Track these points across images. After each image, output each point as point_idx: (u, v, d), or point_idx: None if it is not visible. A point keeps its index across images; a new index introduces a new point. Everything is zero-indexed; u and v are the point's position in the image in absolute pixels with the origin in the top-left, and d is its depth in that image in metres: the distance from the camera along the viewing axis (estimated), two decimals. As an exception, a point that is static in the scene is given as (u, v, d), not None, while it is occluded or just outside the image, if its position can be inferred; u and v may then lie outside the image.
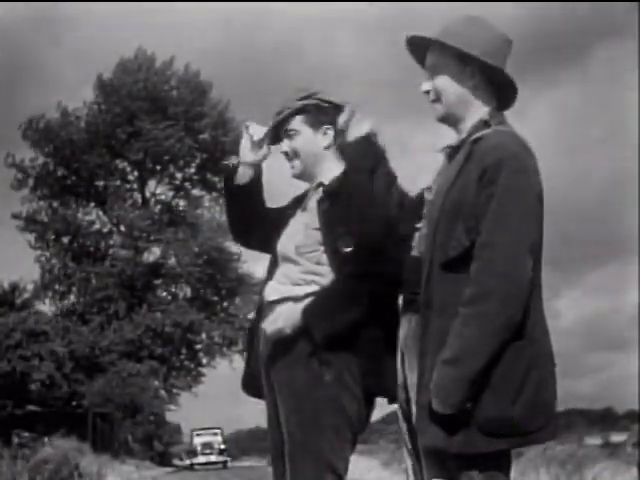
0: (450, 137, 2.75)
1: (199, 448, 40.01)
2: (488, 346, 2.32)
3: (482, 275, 2.37)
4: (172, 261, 41.46)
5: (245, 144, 3.23)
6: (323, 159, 3.12)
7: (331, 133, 3.10)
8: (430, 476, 2.54)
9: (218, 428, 42.54)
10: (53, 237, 41.11)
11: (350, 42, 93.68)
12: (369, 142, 2.93)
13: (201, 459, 39.43)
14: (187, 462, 40.95)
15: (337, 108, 3.09)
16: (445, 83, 2.65)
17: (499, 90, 2.66)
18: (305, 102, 3.09)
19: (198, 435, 41.57)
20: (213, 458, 39.37)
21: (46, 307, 39.83)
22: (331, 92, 3.13)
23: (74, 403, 33.50)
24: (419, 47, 2.73)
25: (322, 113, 3.10)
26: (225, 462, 39.18)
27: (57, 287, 41.03)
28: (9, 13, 68.94)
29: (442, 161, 2.75)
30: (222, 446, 40.55)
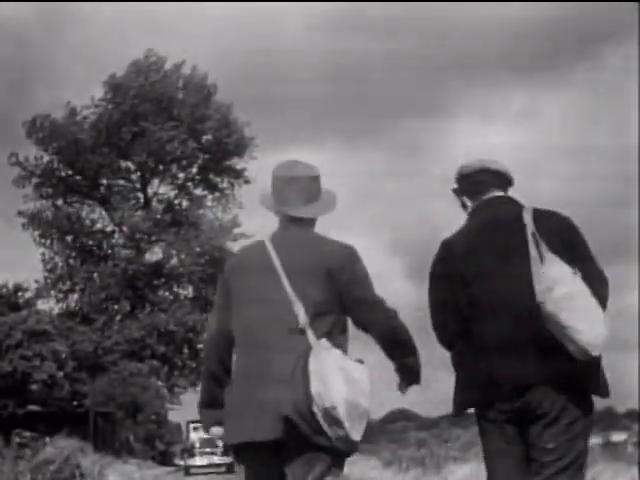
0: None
1: (197, 445, 31.48)
2: None
3: None
4: (174, 261, 41.58)
5: None
6: None
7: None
8: None
9: None
10: (57, 236, 41.25)
11: (359, 44, 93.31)
12: None
13: (199, 460, 31.29)
14: (181, 463, 33.09)
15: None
16: None
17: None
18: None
19: (196, 429, 32.36)
20: (216, 459, 31.04)
21: (50, 307, 39.99)
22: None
23: (75, 403, 33.52)
24: None
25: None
26: (231, 464, 30.08)
27: (61, 287, 41.19)
28: (19, 13, 69.03)
29: None
30: None
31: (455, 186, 3.93)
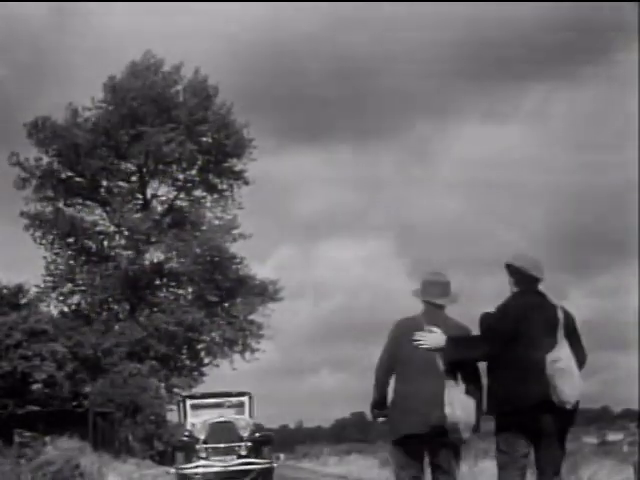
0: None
1: (203, 437, 18.39)
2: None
3: None
4: (174, 262, 41.69)
5: None
6: None
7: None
8: None
9: (244, 394, 20.96)
10: (58, 237, 41.34)
11: (364, 43, 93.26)
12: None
13: (207, 464, 18.15)
14: (172, 470, 19.62)
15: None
16: None
17: None
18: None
19: (196, 408, 20.65)
20: (236, 462, 18.14)
21: (51, 308, 40.05)
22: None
23: (75, 403, 33.60)
24: None
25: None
26: (270, 471, 18.47)
27: (62, 289, 41.30)
28: (29, 14, 69.26)
29: None
30: (257, 434, 18.62)
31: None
